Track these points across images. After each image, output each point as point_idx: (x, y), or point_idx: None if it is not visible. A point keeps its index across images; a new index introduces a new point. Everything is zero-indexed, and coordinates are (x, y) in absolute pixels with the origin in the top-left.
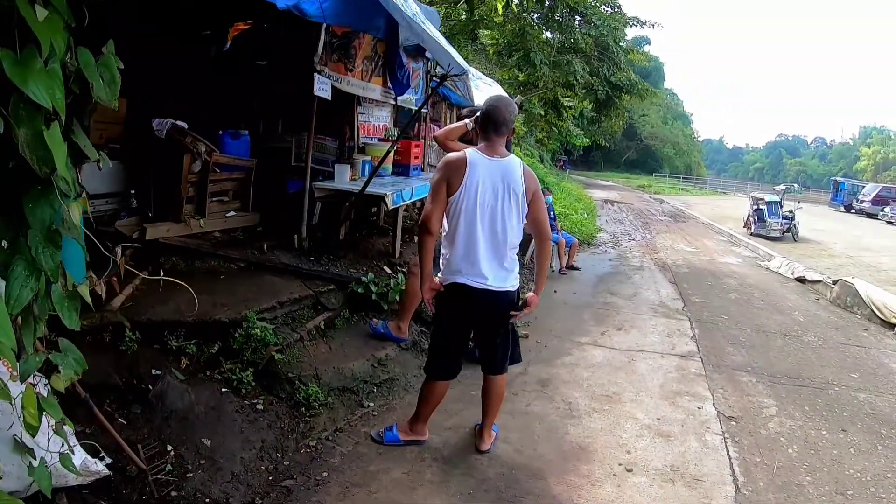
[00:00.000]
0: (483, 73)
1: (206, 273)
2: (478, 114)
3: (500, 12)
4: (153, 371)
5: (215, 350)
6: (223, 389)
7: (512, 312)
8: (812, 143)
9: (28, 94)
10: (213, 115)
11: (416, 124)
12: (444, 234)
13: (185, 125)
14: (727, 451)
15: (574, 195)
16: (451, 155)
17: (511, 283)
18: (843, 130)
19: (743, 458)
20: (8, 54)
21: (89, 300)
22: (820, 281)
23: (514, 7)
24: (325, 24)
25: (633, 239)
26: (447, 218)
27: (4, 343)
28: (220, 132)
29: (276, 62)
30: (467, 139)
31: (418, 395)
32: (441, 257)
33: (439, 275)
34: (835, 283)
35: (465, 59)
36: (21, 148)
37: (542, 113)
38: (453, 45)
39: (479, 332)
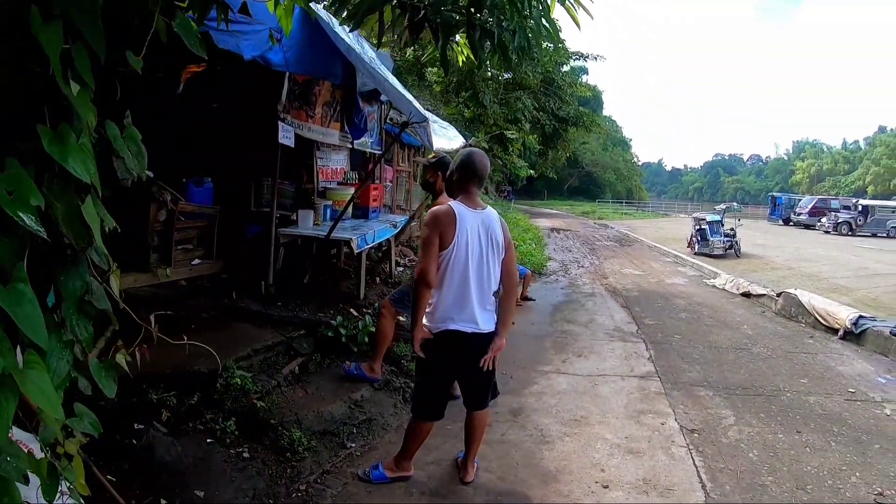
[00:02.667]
0: (429, 109)
1: (178, 323)
2: (451, 166)
3: (461, 65)
4: (135, 425)
5: (195, 401)
6: (208, 440)
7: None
8: (748, 160)
9: (69, 170)
10: (174, 162)
11: (372, 165)
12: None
13: (151, 174)
14: (693, 460)
15: (521, 226)
16: (440, 209)
17: (492, 323)
18: (778, 146)
19: (708, 466)
20: (46, 131)
21: (126, 368)
22: (764, 294)
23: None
24: (287, 73)
25: (582, 266)
26: (438, 268)
27: (57, 419)
28: (185, 180)
29: (232, 106)
30: (430, 181)
31: (405, 434)
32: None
33: (426, 322)
34: (779, 295)
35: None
36: (60, 224)
37: (488, 148)
38: (401, 84)
39: (467, 373)
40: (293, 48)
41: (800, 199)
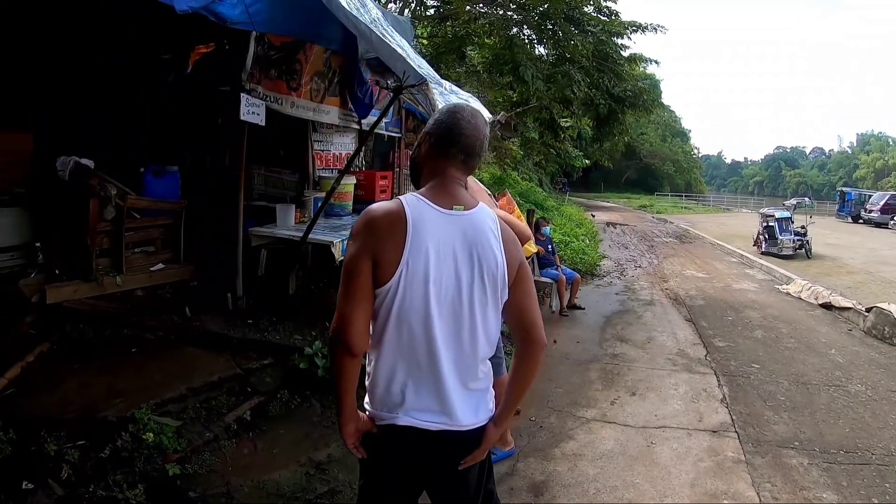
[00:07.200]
0: (475, 94)
1: (116, 346)
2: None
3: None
4: (24, 484)
5: (107, 454)
6: None
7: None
8: (811, 153)
9: None
10: (146, 149)
11: (392, 152)
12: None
13: (90, 164)
14: None
15: (575, 220)
16: (376, 208)
17: (484, 411)
18: (841, 139)
19: None
20: None
21: None
22: (850, 308)
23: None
24: (254, 33)
25: (640, 266)
26: (374, 318)
27: None
28: (142, 170)
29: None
30: None
31: None
32: (365, 376)
33: (367, 407)
34: (868, 310)
35: (456, 80)
36: None
37: (538, 136)
38: (440, 65)
39: (437, 488)
40: (262, 1)
41: (870, 196)
